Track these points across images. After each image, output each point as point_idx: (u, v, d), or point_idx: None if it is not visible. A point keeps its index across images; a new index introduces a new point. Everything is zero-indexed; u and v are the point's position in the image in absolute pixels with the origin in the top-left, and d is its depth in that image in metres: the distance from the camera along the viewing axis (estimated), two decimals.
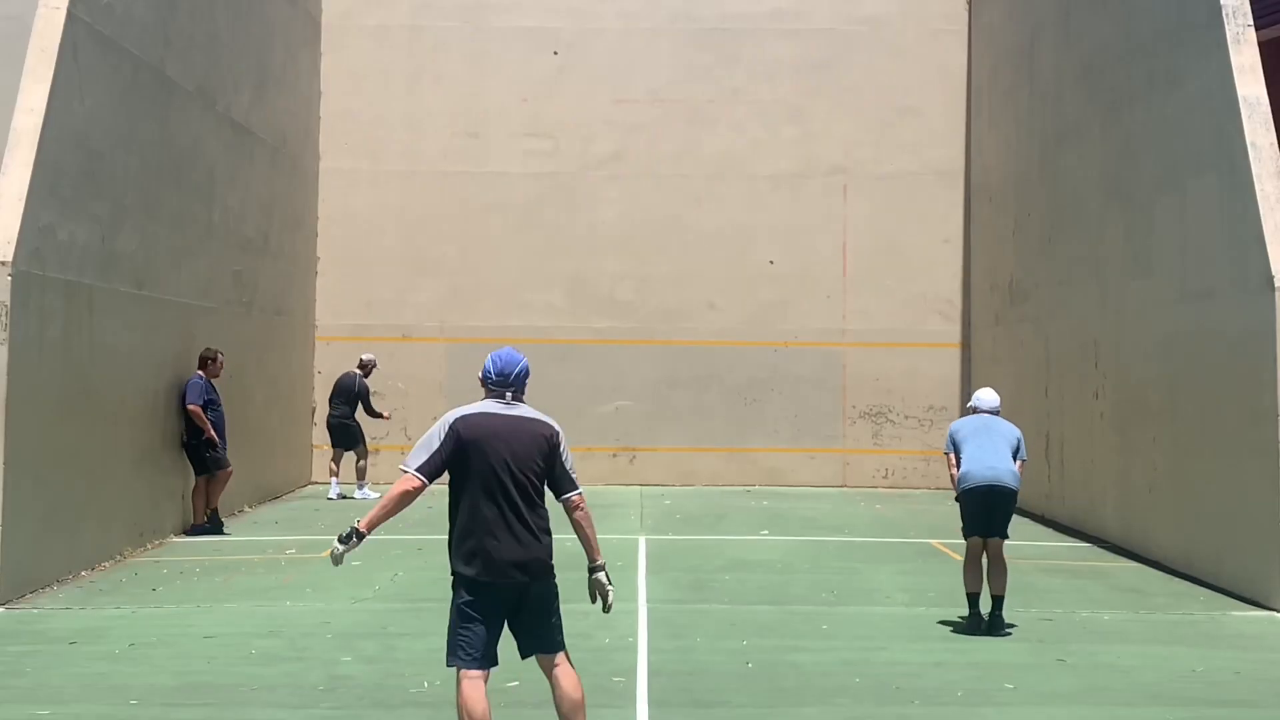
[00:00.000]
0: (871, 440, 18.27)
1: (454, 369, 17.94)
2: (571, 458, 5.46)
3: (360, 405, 16.27)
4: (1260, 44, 10.72)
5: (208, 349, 13.07)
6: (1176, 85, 11.41)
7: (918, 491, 17.86)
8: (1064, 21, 14.52)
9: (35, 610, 9.11)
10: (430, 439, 5.35)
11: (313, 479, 17.85)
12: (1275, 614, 9.36)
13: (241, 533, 13.06)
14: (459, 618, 5.29)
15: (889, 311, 18.33)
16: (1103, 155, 13.20)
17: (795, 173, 18.49)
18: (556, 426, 5.43)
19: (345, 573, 10.69)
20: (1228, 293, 10.29)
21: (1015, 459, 8.81)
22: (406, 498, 5.33)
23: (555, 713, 5.51)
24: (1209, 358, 10.60)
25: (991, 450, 8.74)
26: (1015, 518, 14.83)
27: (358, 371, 16.36)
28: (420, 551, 11.76)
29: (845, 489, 18.00)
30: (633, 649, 8.05)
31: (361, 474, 16.09)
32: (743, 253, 18.39)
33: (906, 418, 18.26)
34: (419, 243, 18.28)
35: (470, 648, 5.24)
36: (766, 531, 13.54)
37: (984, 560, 8.79)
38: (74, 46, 10.35)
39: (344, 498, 15.80)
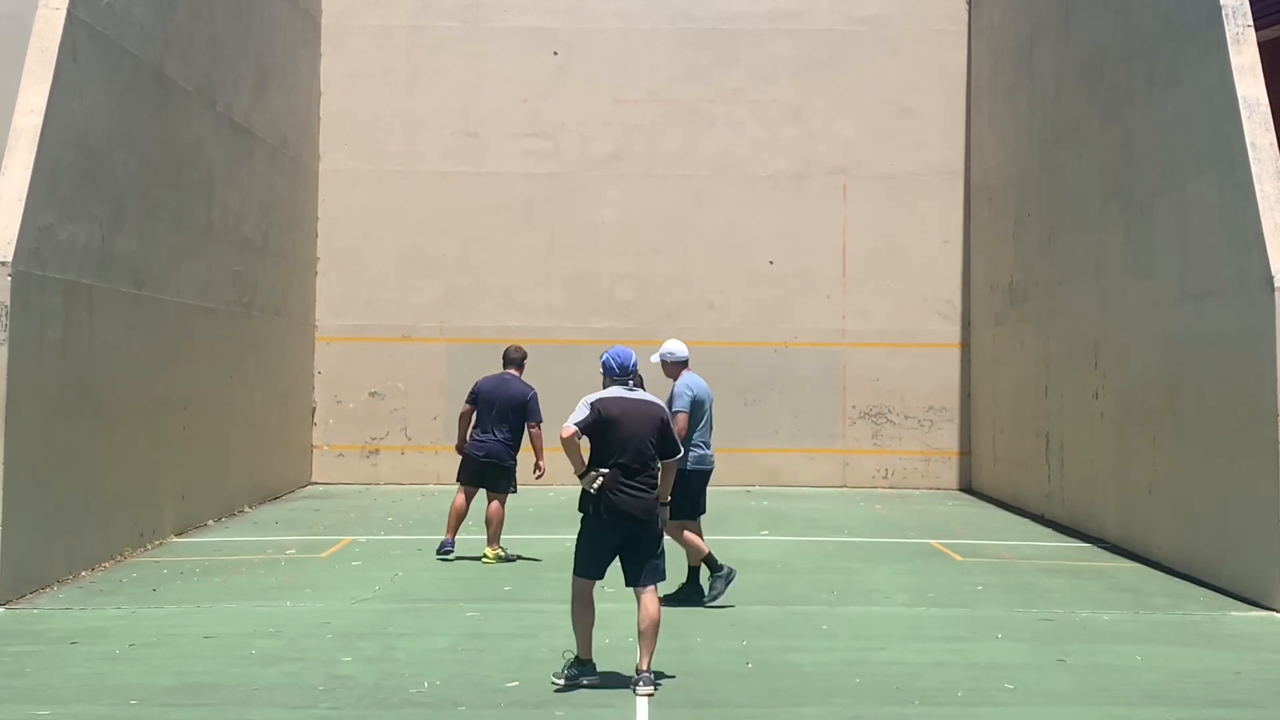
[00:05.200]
0: (871, 440, 18.27)
1: (454, 369, 17.91)
2: (676, 429, 7.54)
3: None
4: (1260, 44, 10.72)
5: (516, 349, 11.70)
6: (1176, 85, 11.41)
7: (917, 492, 17.87)
8: (1064, 21, 14.52)
9: (35, 610, 9.11)
10: (580, 410, 7.09)
11: (312, 479, 17.86)
12: (1275, 614, 9.36)
13: (241, 533, 13.06)
14: (586, 546, 7.14)
15: (889, 312, 18.33)
16: (1102, 155, 13.20)
17: (795, 173, 18.48)
18: (665, 406, 7.41)
19: (345, 573, 10.72)
20: (1227, 292, 10.29)
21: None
22: (568, 443, 7.06)
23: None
24: (1209, 358, 10.60)
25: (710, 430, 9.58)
26: (1015, 517, 15.10)
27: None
28: (420, 552, 11.76)
29: (845, 489, 18.00)
30: (633, 649, 8.04)
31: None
32: (742, 253, 18.39)
33: (906, 418, 18.26)
34: (419, 243, 18.27)
35: (591, 565, 7.15)
36: (766, 531, 13.54)
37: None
38: (73, 47, 10.35)
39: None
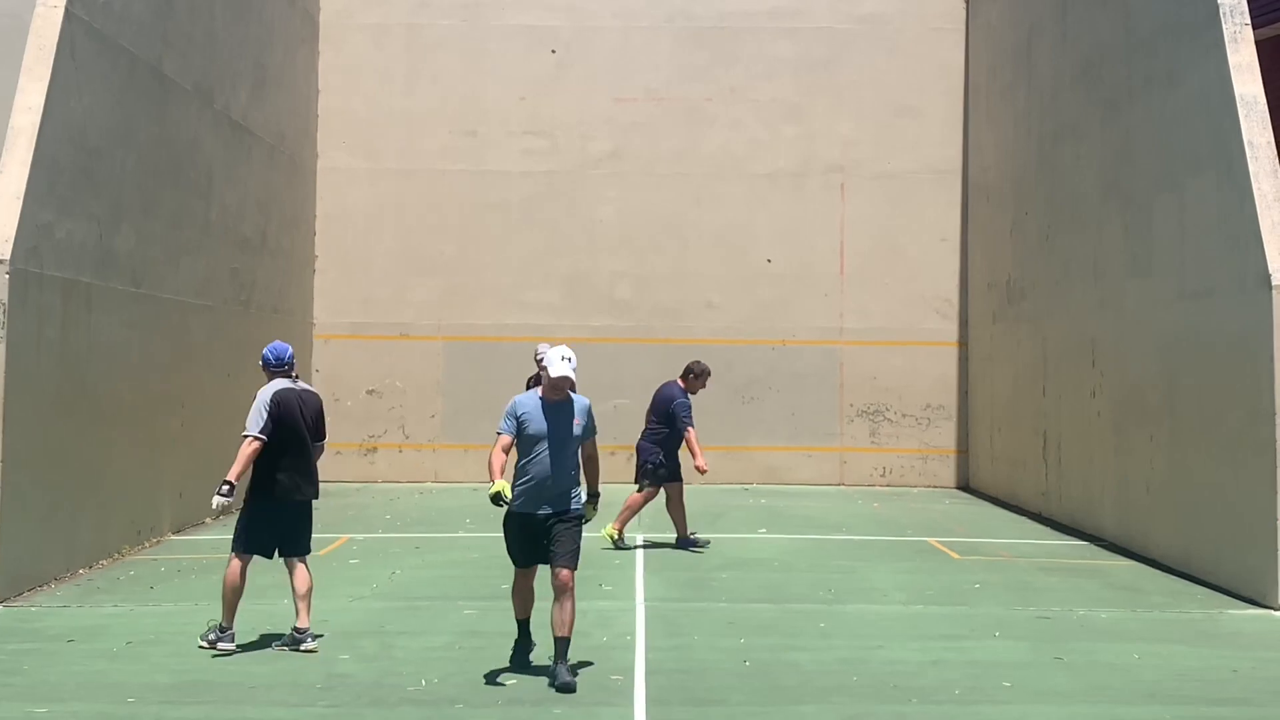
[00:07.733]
0: (869, 438, 18.27)
1: (451, 368, 17.95)
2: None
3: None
4: (1257, 42, 10.74)
5: (696, 362, 12.11)
6: (1174, 84, 11.41)
7: (915, 490, 17.88)
8: (1062, 20, 14.53)
9: (33, 608, 9.11)
10: (260, 411, 7.72)
11: None
12: (1272, 612, 9.37)
13: None
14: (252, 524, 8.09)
15: (887, 310, 18.33)
16: (1101, 154, 13.21)
17: (793, 171, 18.49)
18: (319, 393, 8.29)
19: (343, 571, 10.72)
20: (1225, 292, 10.29)
21: None
22: (253, 452, 7.74)
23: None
24: (1207, 357, 10.60)
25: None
26: (1013, 515, 15.12)
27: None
28: (418, 550, 11.78)
29: (843, 487, 18.01)
30: (631, 647, 8.06)
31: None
32: (741, 251, 18.39)
33: (904, 416, 18.27)
34: (417, 241, 18.27)
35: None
36: (764, 530, 13.54)
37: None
38: (72, 45, 10.34)
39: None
